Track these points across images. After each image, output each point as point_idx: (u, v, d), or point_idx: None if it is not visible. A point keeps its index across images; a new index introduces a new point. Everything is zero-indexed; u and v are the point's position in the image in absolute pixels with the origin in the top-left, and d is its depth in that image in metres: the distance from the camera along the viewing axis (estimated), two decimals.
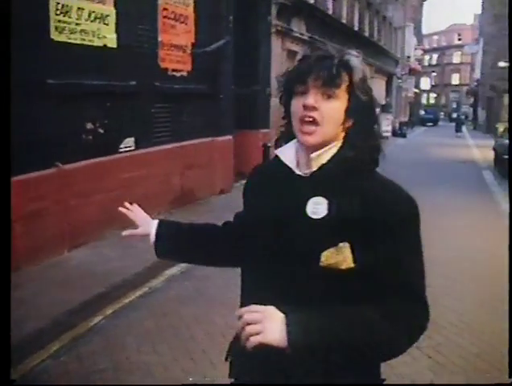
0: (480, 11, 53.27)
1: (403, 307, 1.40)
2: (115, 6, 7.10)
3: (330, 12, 19.50)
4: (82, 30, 6.53)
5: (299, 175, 1.48)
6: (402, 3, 39.25)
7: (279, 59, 14.07)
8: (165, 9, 8.45)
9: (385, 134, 30.73)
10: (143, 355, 4.01)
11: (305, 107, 1.41)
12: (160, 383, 3.56)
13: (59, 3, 6.13)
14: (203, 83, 9.76)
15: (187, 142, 9.17)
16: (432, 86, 77.95)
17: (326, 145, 1.45)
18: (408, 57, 43.90)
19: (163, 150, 8.44)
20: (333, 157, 1.45)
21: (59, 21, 6.16)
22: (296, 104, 1.45)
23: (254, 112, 12.69)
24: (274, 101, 13.62)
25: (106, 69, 6.99)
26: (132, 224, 1.80)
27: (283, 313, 1.32)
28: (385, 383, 1.50)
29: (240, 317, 1.32)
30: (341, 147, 1.46)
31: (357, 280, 1.40)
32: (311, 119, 1.41)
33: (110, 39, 7.05)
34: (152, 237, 1.78)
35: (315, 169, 1.46)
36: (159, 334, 4.36)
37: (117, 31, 7.14)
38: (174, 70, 8.80)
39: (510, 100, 6.49)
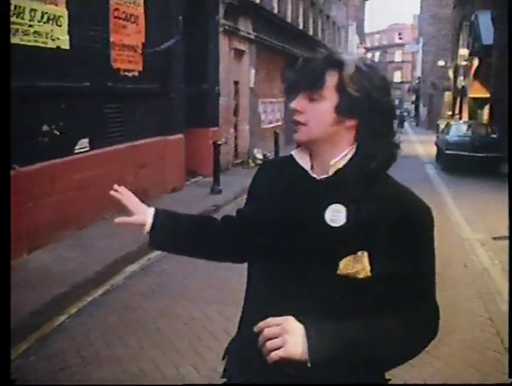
0: (418, 12, 54.86)
1: (420, 314, 1.42)
2: (67, 7, 7.12)
3: (275, 11, 19.79)
4: (35, 32, 6.54)
5: (313, 178, 1.48)
6: (345, 3, 40.00)
7: (227, 58, 14.28)
8: (116, 9, 8.51)
9: None
10: (111, 348, 4.14)
11: (293, 111, 1.47)
12: (131, 374, 3.71)
13: (11, 4, 6.13)
14: (154, 82, 9.87)
15: (139, 142, 9.26)
16: None
17: (327, 146, 1.47)
18: None
19: (116, 150, 8.50)
20: (349, 161, 1.45)
21: (13, 22, 6.16)
22: (291, 108, 1.50)
23: (204, 110, 12.83)
24: (223, 100, 13.90)
25: (60, 71, 7.02)
26: (122, 210, 1.68)
27: (301, 322, 1.31)
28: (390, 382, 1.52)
29: (259, 331, 1.31)
30: (356, 152, 1.45)
31: (374, 288, 1.40)
32: (296, 122, 1.47)
33: (63, 41, 7.07)
34: (148, 227, 1.66)
35: (331, 174, 1.45)
36: (125, 329, 4.51)
37: (69, 33, 7.16)
38: (126, 70, 8.88)
39: (510, 100, 6.75)
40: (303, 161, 1.51)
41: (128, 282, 5.75)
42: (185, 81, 11.18)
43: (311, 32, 26.94)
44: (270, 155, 16.49)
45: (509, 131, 7.12)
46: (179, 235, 1.70)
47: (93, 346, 4.20)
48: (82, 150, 7.61)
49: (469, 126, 17.67)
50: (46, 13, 6.73)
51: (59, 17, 7.00)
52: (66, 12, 7.12)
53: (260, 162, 16.13)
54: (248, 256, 1.59)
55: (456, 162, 15.53)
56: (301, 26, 24.55)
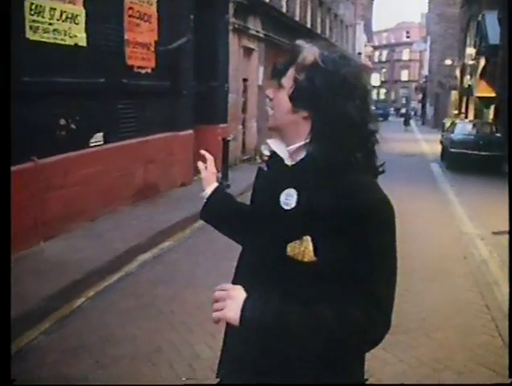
0: (426, 10, 54.93)
1: (360, 312, 1.37)
2: (84, 5, 7.39)
3: (284, 10, 20.01)
4: (55, 30, 6.82)
5: (286, 166, 1.53)
6: (353, 1, 40.16)
7: (236, 56, 14.52)
8: (130, 8, 8.78)
9: None
10: (126, 329, 4.43)
11: (266, 96, 1.61)
12: (147, 352, 3.99)
13: (33, 3, 6.41)
14: (166, 79, 10.13)
15: (150, 137, 9.53)
16: (382, 82, 79.61)
17: (290, 134, 1.52)
18: (359, 54, 44.90)
19: (128, 145, 8.77)
20: (308, 152, 1.48)
21: (34, 21, 6.45)
22: None
23: (213, 107, 13.08)
24: (232, 97, 14.16)
25: (77, 67, 7.30)
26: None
27: (248, 293, 1.42)
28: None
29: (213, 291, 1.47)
30: (310, 142, 1.48)
31: (319, 275, 1.42)
32: (268, 108, 1.59)
33: (81, 38, 7.35)
34: (204, 197, 1.90)
35: (294, 162, 1.51)
36: (139, 312, 4.79)
37: (86, 30, 7.44)
38: (139, 67, 9.15)
39: (510, 100, 6.88)
40: (280, 149, 1.56)
41: (140, 270, 6.02)
42: (195, 78, 11.45)
43: (319, 31, 27.13)
44: None
45: (509, 131, 7.26)
46: (227, 214, 1.89)
47: (109, 326, 4.48)
48: (97, 144, 7.89)
49: (474, 125, 17.85)
50: (64, 11, 7.01)
51: (77, 15, 7.28)
52: (83, 11, 7.39)
53: (266, 158, 16.40)
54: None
55: (460, 161, 15.74)
56: (309, 25, 24.75)
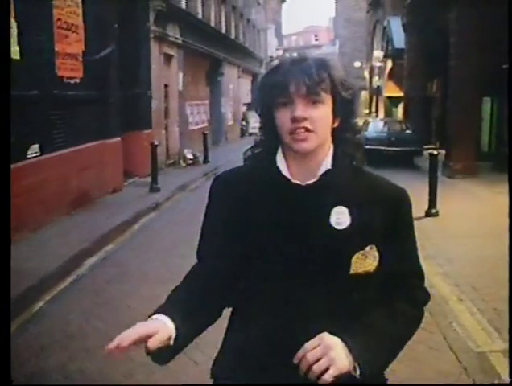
0: (334, 15, 56.87)
1: (420, 289, 1.55)
2: (15, 18, 7.52)
3: (200, 16, 20.43)
4: None
5: (298, 185, 1.46)
6: (264, 6, 41.11)
7: (157, 63, 14.82)
8: (59, 19, 8.93)
9: (252, 131, 32.40)
10: (91, 323, 4.74)
11: (294, 119, 1.38)
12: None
13: None
14: (93, 89, 10.31)
15: (81, 146, 9.69)
16: None
17: (323, 145, 1.45)
18: (271, 57, 45.91)
19: (62, 155, 8.92)
20: (334, 163, 1.46)
21: None
22: (282, 117, 1.41)
23: (137, 113, 13.32)
24: (154, 103, 14.43)
25: (12, 80, 7.40)
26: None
27: (331, 333, 1.33)
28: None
29: (299, 358, 1.31)
30: (336, 151, 1.47)
31: (380, 277, 1.46)
32: (303, 130, 1.39)
33: (14, 51, 7.47)
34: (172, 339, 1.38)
35: (318, 177, 1.45)
36: (99, 308, 5.10)
37: (19, 43, 7.58)
38: (68, 78, 9.30)
39: (510, 101, 7.40)
40: (283, 169, 1.48)
41: (91, 272, 6.29)
42: (120, 86, 11.67)
43: (233, 36, 27.74)
44: (200, 155, 17.16)
45: (509, 130, 7.82)
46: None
47: (74, 323, 4.78)
48: (34, 155, 8.02)
49: (385, 123, 18.90)
50: None
51: (9, 28, 7.39)
52: (15, 23, 7.51)
53: (190, 161, 16.81)
54: (242, 278, 1.50)
55: (375, 156, 16.66)
56: (224, 30, 25.29)
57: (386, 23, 23.97)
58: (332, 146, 1.47)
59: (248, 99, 32.69)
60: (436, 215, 8.86)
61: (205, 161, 17.12)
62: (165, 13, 14.87)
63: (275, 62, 1.53)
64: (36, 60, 8.08)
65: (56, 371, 3.93)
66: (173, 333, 1.36)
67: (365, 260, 1.42)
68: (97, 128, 10.40)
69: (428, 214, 8.84)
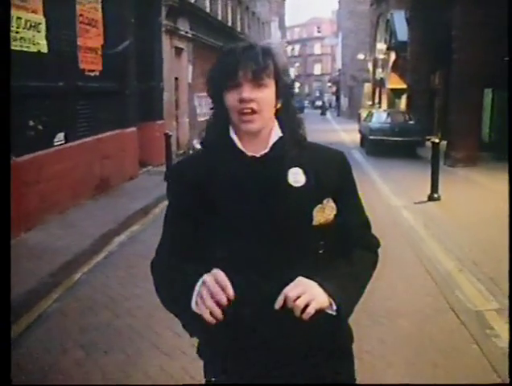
0: (337, 7, 57.18)
1: (371, 236, 1.74)
2: (44, 14, 8.03)
3: (208, 10, 20.87)
4: (21, 38, 7.45)
5: (253, 156, 1.59)
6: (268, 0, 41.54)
7: (169, 56, 15.30)
8: (81, 15, 9.43)
9: None
10: (129, 289, 5.28)
11: (242, 100, 1.52)
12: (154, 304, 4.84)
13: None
14: (112, 81, 10.83)
15: (102, 135, 10.21)
16: (296, 76, 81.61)
17: (267, 125, 1.60)
18: None
19: (85, 143, 9.44)
20: (281, 136, 1.61)
21: None
22: (231, 98, 1.54)
23: (151, 105, 13.84)
24: (166, 95, 14.93)
25: (41, 72, 7.93)
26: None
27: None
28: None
29: (281, 302, 1.43)
30: (282, 127, 1.62)
31: (338, 228, 1.62)
32: (249, 110, 1.53)
33: (42, 45, 7.98)
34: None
35: (267, 150, 1.59)
36: (134, 278, 5.62)
37: (47, 38, 8.08)
38: (89, 70, 9.81)
39: (510, 100, 7.62)
40: (238, 143, 1.61)
41: (121, 249, 6.84)
42: (136, 78, 12.19)
43: (239, 29, 28.17)
44: None
45: (509, 130, 8.13)
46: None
47: (113, 289, 5.33)
48: (59, 143, 8.54)
49: (389, 114, 19.33)
50: (28, 20, 7.62)
51: (39, 24, 7.90)
52: (43, 19, 8.02)
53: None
54: (211, 245, 1.61)
55: (378, 146, 17.20)
56: (230, 23, 25.74)
57: (389, 16, 24.39)
58: (276, 123, 1.62)
59: None
60: (438, 199, 9.39)
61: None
62: (176, 7, 15.36)
63: (226, 48, 1.62)
64: (62, 54, 8.59)
65: (105, 326, 4.47)
66: None
67: (325, 211, 1.57)
68: (115, 118, 10.92)
69: (431, 198, 9.40)
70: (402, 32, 21.45)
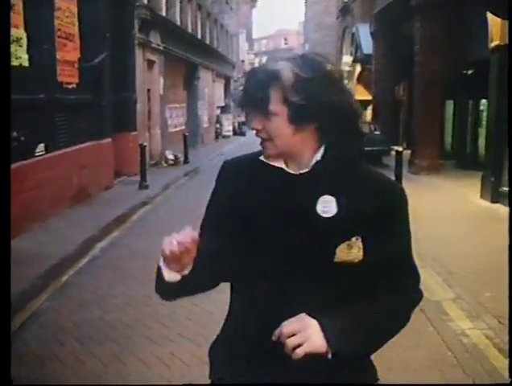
0: (303, 19, 58.16)
1: (411, 284, 1.55)
2: (25, 29, 8.35)
3: (178, 23, 21.32)
4: None
5: (293, 174, 1.50)
6: (236, 11, 42.15)
7: (141, 68, 15.69)
8: (59, 29, 9.77)
9: (226, 134, 33.36)
10: (118, 288, 5.66)
11: (253, 129, 1.51)
12: (140, 299, 5.23)
13: None
14: (88, 93, 11.17)
15: (79, 146, 10.53)
16: None
17: (309, 148, 1.49)
18: (242, 61, 46.96)
19: (64, 154, 9.75)
20: (324, 155, 1.47)
21: None
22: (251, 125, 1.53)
23: (125, 116, 14.17)
24: (139, 106, 15.30)
25: (22, 85, 8.25)
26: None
27: (313, 317, 1.38)
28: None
29: (277, 334, 1.37)
30: (326, 147, 1.48)
31: (368, 273, 1.47)
32: (262, 139, 1.50)
33: (24, 59, 8.31)
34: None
35: (310, 167, 1.48)
36: (121, 277, 6.00)
37: (28, 52, 8.41)
38: (67, 83, 10.14)
39: (510, 100, 7.84)
40: (277, 162, 1.52)
41: (105, 253, 7.19)
42: (110, 90, 12.54)
43: (208, 41, 28.68)
44: (181, 156, 18.06)
45: (509, 132, 8.55)
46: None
47: (101, 289, 5.69)
48: (40, 153, 8.85)
49: None
50: (11, 35, 7.94)
51: (20, 38, 8.23)
52: (24, 34, 8.35)
53: (172, 162, 17.71)
54: (232, 261, 1.53)
55: None
56: (200, 36, 26.21)
57: (354, 30, 25.17)
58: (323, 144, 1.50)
59: (221, 102, 33.68)
60: None
61: (186, 161, 17.99)
62: (148, 21, 15.77)
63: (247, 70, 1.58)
64: (42, 67, 8.92)
65: (97, 320, 4.84)
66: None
67: (351, 251, 1.44)
68: (92, 129, 11.24)
69: None
70: (367, 45, 22.20)
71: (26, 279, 5.90)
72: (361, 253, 1.45)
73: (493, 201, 10.00)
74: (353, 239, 1.44)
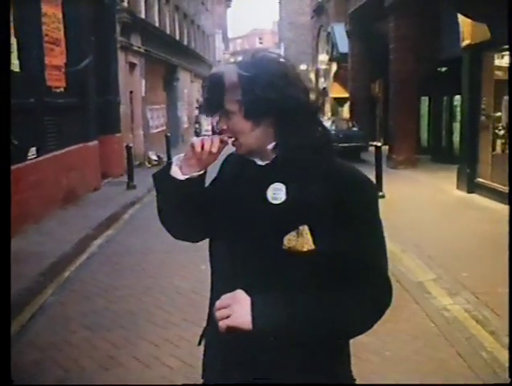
0: (277, 18, 58.67)
1: (370, 288, 1.44)
2: (15, 35, 8.60)
3: (157, 24, 21.57)
4: None
5: (258, 165, 1.56)
6: (211, 12, 42.46)
7: (123, 71, 15.94)
8: (46, 35, 10.01)
9: (205, 133, 33.66)
10: (117, 281, 5.97)
11: (221, 130, 1.56)
12: (141, 290, 5.56)
13: None
14: (74, 96, 11.41)
15: (68, 149, 10.78)
16: None
17: (257, 145, 1.54)
18: (219, 61, 47.26)
19: (53, 156, 10.00)
20: (274, 147, 1.52)
21: None
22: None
23: (109, 118, 14.40)
24: (122, 108, 15.56)
25: (15, 90, 8.47)
26: None
27: (250, 295, 1.39)
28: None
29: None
30: (280, 140, 1.52)
31: (320, 262, 1.43)
32: (230, 138, 1.55)
33: (15, 65, 8.56)
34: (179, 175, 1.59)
35: (268, 161, 1.54)
36: (121, 272, 6.31)
37: (19, 57, 8.66)
38: (55, 87, 10.39)
39: (510, 100, 8.41)
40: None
41: (102, 250, 7.49)
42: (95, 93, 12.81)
43: (185, 42, 28.95)
44: (163, 157, 18.30)
45: (509, 132, 8.93)
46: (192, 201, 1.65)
47: (103, 282, 6.01)
48: (32, 157, 9.09)
49: (333, 122, 20.31)
50: None
51: (11, 44, 8.47)
52: (15, 40, 8.59)
53: (155, 162, 17.95)
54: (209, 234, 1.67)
55: None
56: (178, 37, 26.48)
57: (330, 29, 25.64)
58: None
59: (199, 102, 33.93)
60: (383, 197, 10.34)
61: (168, 161, 18.20)
62: (129, 24, 16.02)
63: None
64: (32, 72, 9.17)
65: (102, 310, 5.16)
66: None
67: (298, 239, 1.43)
68: (79, 132, 11.50)
69: None
70: (343, 44, 22.68)
71: (28, 277, 6.17)
72: (310, 242, 1.43)
73: (469, 191, 10.49)
74: (301, 227, 1.43)
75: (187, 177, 1.57)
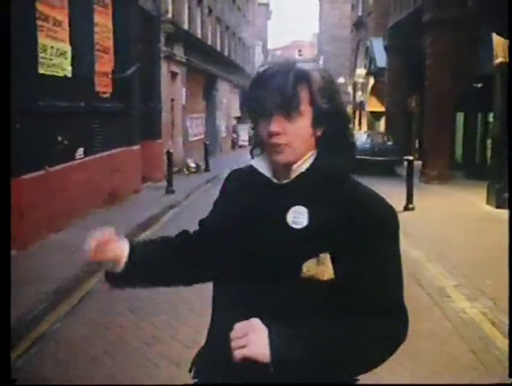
0: (317, 30, 59.15)
1: (385, 320, 1.39)
2: (70, 43, 9.21)
3: (199, 36, 22.24)
4: (54, 64, 8.61)
5: (276, 184, 1.47)
6: (252, 24, 43.18)
7: (166, 80, 16.57)
8: (97, 43, 10.64)
9: (243, 143, 34.19)
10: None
11: (270, 134, 1.41)
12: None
13: (40, 43, 8.15)
14: (120, 102, 12.01)
15: (112, 151, 11.36)
16: None
17: (303, 155, 1.44)
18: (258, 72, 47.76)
19: (99, 158, 10.59)
20: (311, 166, 1.44)
21: (42, 57, 8.21)
22: (262, 129, 1.45)
23: (151, 125, 15.04)
24: (164, 115, 16.16)
25: (67, 94, 9.09)
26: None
27: (266, 325, 1.31)
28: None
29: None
30: (317, 156, 1.45)
31: (338, 291, 1.38)
32: (278, 144, 1.41)
33: (68, 70, 9.16)
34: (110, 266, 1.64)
35: (292, 178, 1.45)
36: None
37: (71, 64, 9.26)
38: (103, 92, 11.01)
39: (510, 101, 8.71)
40: (265, 168, 1.49)
41: None
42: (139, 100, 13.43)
43: (226, 53, 29.62)
44: (202, 164, 18.85)
45: (509, 133, 9.09)
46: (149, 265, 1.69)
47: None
48: (80, 157, 9.68)
49: (369, 136, 20.61)
50: (58, 49, 8.80)
51: (65, 51, 9.08)
52: (69, 47, 9.20)
53: (193, 169, 18.50)
54: (211, 264, 1.57)
55: (360, 165, 18.44)
56: (219, 48, 27.14)
57: (368, 44, 25.96)
58: (315, 152, 1.47)
59: (238, 113, 34.57)
60: (413, 209, 10.64)
61: (206, 169, 18.78)
62: (173, 35, 16.67)
63: (260, 69, 1.48)
64: (82, 78, 9.78)
65: (146, 298, 5.58)
66: (125, 253, 1.62)
67: (319, 267, 1.37)
68: (123, 136, 12.09)
69: (406, 208, 10.64)
70: (381, 58, 22.96)
71: (75, 265, 6.66)
72: (331, 271, 1.37)
73: (498, 206, 10.70)
74: (322, 255, 1.37)
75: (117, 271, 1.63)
